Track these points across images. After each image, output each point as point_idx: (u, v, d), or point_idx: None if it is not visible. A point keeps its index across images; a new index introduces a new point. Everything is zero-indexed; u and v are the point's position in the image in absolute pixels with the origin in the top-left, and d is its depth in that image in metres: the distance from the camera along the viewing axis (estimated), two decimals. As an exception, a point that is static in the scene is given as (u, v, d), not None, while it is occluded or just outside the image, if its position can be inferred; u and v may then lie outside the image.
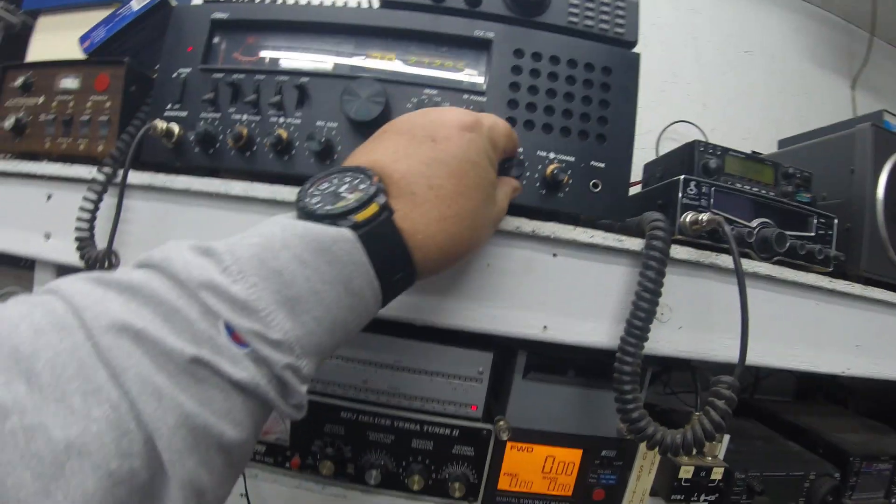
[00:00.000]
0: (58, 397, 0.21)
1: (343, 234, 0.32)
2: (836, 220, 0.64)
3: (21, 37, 0.75)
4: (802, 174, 0.65)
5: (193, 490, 0.24)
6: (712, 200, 0.59)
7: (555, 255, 0.55)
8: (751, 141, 0.98)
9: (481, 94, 0.55)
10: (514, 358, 0.60)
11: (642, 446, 0.63)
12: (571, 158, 0.55)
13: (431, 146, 0.38)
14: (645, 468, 0.64)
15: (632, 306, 0.53)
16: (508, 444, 0.60)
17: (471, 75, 0.57)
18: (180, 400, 0.24)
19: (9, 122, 0.65)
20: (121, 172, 0.60)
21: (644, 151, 0.96)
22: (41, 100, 0.65)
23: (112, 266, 0.57)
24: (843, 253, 0.65)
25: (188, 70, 0.60)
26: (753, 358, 0.60)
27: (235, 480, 0.30)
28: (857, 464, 0.75)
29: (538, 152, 0.55)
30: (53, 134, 0.64)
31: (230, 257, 0.29)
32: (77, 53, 0.66)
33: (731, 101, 1.01)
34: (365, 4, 0.68)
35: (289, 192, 0.54)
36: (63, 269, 0.69)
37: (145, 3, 0.62)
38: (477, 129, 0.41)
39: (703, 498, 0.63)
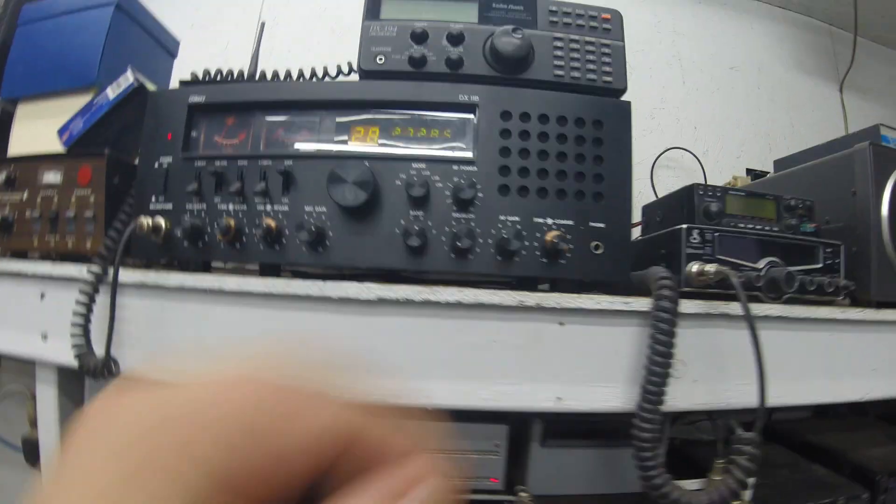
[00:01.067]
0: None
1: None
2: (842, 247, 0.63)
3: (2, 123, 0.73)
4: (804, 204, 0.64)
5: None
6: (717, 246, 0.58)
7: (562, 323, 0.53)
8: (744, 159, 0.96)
9: (471, 163, 0.53)
10: (529, 427, 0.59)
11: (667, 499, 0.62)
12: (570, 222, 0.54)
13: None
14: (671, 520, 0.62)
15: (644, 371, 0.52)
16: (530, 512, 0.59)
17: (456, 146, 0.55)
18: None
19: (-6, 222, 0.63)
20: (111, 271, 0.59)
21: (639, 182, 0.94)
22: (25, 195, 0.64)
23: (112, 375, 0.56)
24: (852, 280, 0.63)
25: (169, 159, 0.58)
26: (772, 400, 0.59)
27: None
28: (884, 482, 0.74)
29: (535, 219, 0.53)
30: (40, 231, 0.63)
31: None
32: (58, 145, 0.64)
33: (722, 121, 0.98)
34: (345, 75, 0.66)
35: (284, 286, 0.52)
36: (64, 371, 0.68)
37: (121, 90, 0.60)
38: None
39: (732, 544, 0.62)
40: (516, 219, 0.53)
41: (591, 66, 0.57)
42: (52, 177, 0.63)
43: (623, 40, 0.59)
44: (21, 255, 0.67)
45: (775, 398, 0.60)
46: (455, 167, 0.53)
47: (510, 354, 0.53)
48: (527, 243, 0.53)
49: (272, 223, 0.53)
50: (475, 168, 0.53)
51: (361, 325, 0.52)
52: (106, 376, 0.56)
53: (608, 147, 0.55)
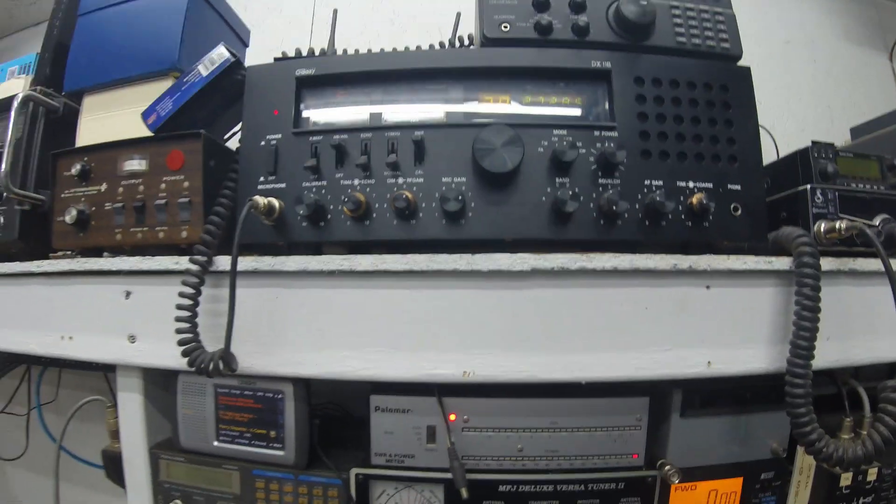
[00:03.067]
0: None
1: None
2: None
3: (65, 122, 0.67)
4: (905, 163, 0.65)
5: None
6: (838, 205, 0.58)
7: (708, 287, 0.52)
8: (808, 131, 0.99)
9: (612, 129, 0.52)
10: (665, 398, 0.57)
11: (799, 463, 0.61)
12: (709, 185, 0.53)
13: None
14: (802, 483, 0.62)
15: (794, 327, 0.52)
16: (672, 487, 0.57)
17: (590, 112, 0.54)
18: None
19: (70, 216, 0.57)
20: (217, 259, 0.54)
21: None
22: (103, 187, 0.58)
23: (232, 371, 0.51)
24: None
25: (278, 136, 0.54)
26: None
27: None
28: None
29: (678, 183, 0.52)
30: (124, 224, 0.57)
31: None
32: (134, 132, 0.59)
33: (781, 94, 1.02)
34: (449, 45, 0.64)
35: (426, 261, 0.49)
36: (150, 371, 0.62)
37: (216, 66, 0.56)
38: None
39: (861, 501, 0.62)
40: (660, 182, 0.52)
41: (709, 33, 0.57)
42: (135, 164, 0.58)
43: (732, 9, 0.60)
44: (96, 253, 0.61)
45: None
46: (596, 133, 0.52)
47: (662, 321, 0.51)
48: (672, 206, 0.51)
49: (410, 195, 0.49)
50: (615, 133, 0.52)
51: (511, 300, 0.50)
52: (223, 373, 0.51)
53: (736, 111, 0.55)
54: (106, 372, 0.79)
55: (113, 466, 0.62)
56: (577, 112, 0.54)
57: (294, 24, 1.11)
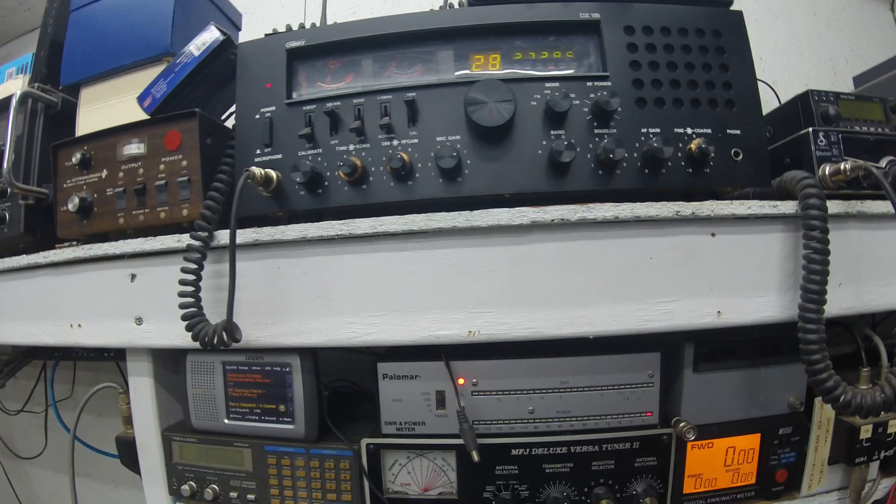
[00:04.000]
0: None
1: None
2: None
3: (64, 116, 0.68)
4: (908, 105, 0.64)
5: None
6: (842, 148, 0.57)
7: (713, 234, 0.51)
8: (813, 84, 0.97)
9: (604, 79, 0.51)
10: (677, 354, 0.56)
11: (817, 417, 0.59)
12: (708, 130, 0.52)
13: None
14: (821, 438, 0.60)
15: (804, 271, 0.50)
16: (689, 445, 0.55)
17: (582, 64, 0.53)
18: None
19: (73, 204, 0.58)
20: (218, 234, 0.54)
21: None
22: (104, 173, 0.59)
23: (236, 340, 0.51)
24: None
25: (272, 108, 0.54)
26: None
27: None
28: None
29: (675, 129, 0.52)
30: (126, 207, 0.58)
31: None
32: (132, 118, 0.60)
33: (784, 49, 1.01)
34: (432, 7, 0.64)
35: (424, 221, 0.48)
36: (159, 354, 0.62)
37: (207, 46, 0.56)
38: None
39: (882, 454, 0.61)
40: (657, 130, 0.51)
41: (699, -21, 0.56)
42: (133, 148, 0.58)
43: (722, -46, 0.59)
44: (101, 239, 0.61)
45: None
46: (589, 84, 0.51)
47: (667, 271, 0.50)
48: (671, 153, 0.51)
49: (405, 156, 0.49)
50: (609, 83, 0.51)
51: (513, 255, 0.49)
52: (228, 344, 0.51)
53: (731, 55, 0.54)
54: (117, 361, 0.80)
55: (127, 452, 0.63)
56: (569, 66, 0.53)
57: (287, 9, 1.11)
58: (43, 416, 0.98)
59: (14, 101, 0.67)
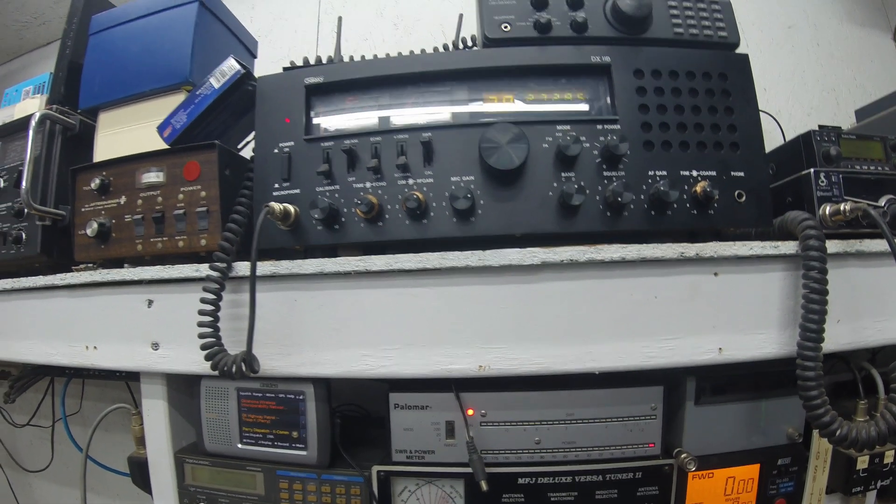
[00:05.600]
0: None
1: None
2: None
3: (82, 138, 0.69)
4: (908, 143, 0.66)
5: None
6: (843, 187, 0.59)
7: (716, 273, 0.53)
8: (815, 116, 1.00)
9: (614, 122, 0.53)
10: (679, 387, 0.58)
11: (815, 448, 0.61)
12: (713, 173, 0.54)
13: None
14: (819, 468, 0.62)
15: (803, 310, 0.52)
16: (690, 475, 0.57)
17: (593, 106, 0.55)
18: None
19: (91, 229, 0.59)
20: (236, 265, 0.56)
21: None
22: (122, 200, 0.60)
23: (255, 372, 0.52)
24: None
25: (290, 144, 0.56)
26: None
27: None
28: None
29: (681, 172, 0.53)
30: (144, 234, 0.59)
31: None
32: (149, 145, 0.61)
33: (787, 80, 1.03)
34: (452, 48, 0.65)
35: (438, 259, 0.50)
36: (173, 377, 0.63)
37: (227, 78, 0.57)
38: None
39: (879, 484, 0.62)
40: (664, 172, 0.53)
41: (706, 23, 0.58)
42: (153, 176, 0.59)
43: (728, -2, 0.61)
44: (117, 264, 0.62)
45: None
46: (599, 126, 0.53)
47: (671, 309, 0.52)
48: (677, 195, 0.52)
49: (420, 195, 0.51)
50: (618, 126, 0.53)
51: (523, 293, 0.51)
52: (247, 375, 0.52)
53: (736, 98, 0.56)
54: (128, 381, 0.81)
55: (139, 472, 0.64)
56: (579, 107, 0.55)
57: (300, 33, 1.13)
58: (50, 430, 0.99)
59: (33, 123, 0.68)
